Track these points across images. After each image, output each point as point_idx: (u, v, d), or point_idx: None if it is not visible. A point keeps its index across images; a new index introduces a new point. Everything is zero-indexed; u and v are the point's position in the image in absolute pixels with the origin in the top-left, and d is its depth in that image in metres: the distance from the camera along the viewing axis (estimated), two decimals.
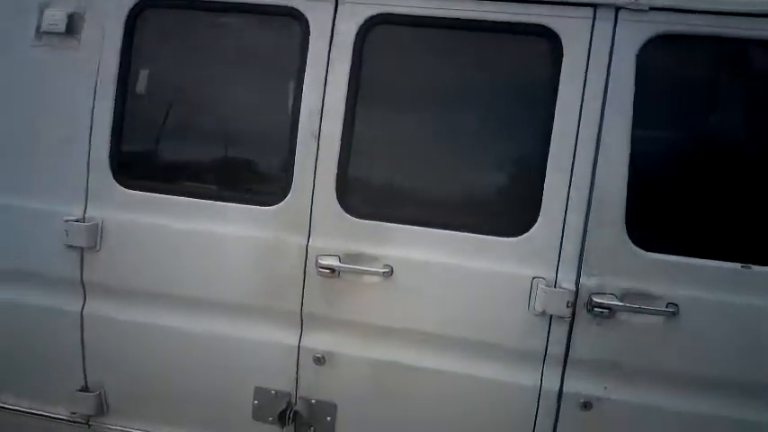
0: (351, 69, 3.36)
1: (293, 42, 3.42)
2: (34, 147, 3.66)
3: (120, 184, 3.61)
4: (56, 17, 3.62)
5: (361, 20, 3.33)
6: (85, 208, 3.63)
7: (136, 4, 3.59)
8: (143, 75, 3.67)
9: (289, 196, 3.44)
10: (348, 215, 3.39)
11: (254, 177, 3.63)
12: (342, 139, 3.39)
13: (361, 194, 3.47)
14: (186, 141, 3.68)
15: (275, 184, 3.45)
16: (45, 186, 3.66)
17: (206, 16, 3.55)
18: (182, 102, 3.68)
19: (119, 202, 3.61)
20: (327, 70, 3.38)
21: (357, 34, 3.33)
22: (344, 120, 3.37)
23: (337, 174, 3.39)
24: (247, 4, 3.44)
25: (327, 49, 3.38)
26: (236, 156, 3.65)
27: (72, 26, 3.64)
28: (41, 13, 3.65)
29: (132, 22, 3.60)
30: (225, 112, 3.63)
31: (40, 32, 3.66)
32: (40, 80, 3.65)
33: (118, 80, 3.60)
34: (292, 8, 3.39)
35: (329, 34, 3.37)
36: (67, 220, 3.60)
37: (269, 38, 3.59)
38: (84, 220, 3.62)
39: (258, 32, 3.60)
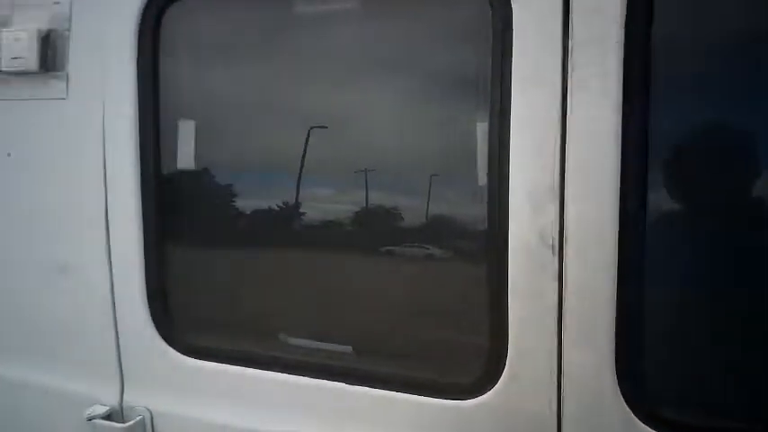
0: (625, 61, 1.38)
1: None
2: (15, 284, 2.02)
3: (174, 347, 1.90)
4: (20, 43, 1.90)
5: None
6: (122, 391, 1.95)
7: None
8: (185, 129, 1.86)
9: (502, 380, 1.53)
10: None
11: (423, 337, 1.72)
12: (621, 247, 1.41)
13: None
14: (282, 258, 1.85)
15: (467, 355, 1.64)
16: (44, 351, 2.02)
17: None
18: (268, 178, 1.86)
19: (175, 379, 1.89)
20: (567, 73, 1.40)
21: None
22: (622, 197, 1.40)
23: (618, 330, 1.42)
24: None
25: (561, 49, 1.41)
26: (381, 293, 1.76)
27: (49, 56, 1.91)
28: None
29: (153, 34, 1.79)
30: (349, 194, 1.76)
31: (1, 73, 1.96)
32: (11, 164, 1.99)
33: (142, 146, 1.84)
34: None
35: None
36: (91, 418, 1.93)
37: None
38: (121, 413, 1.94)
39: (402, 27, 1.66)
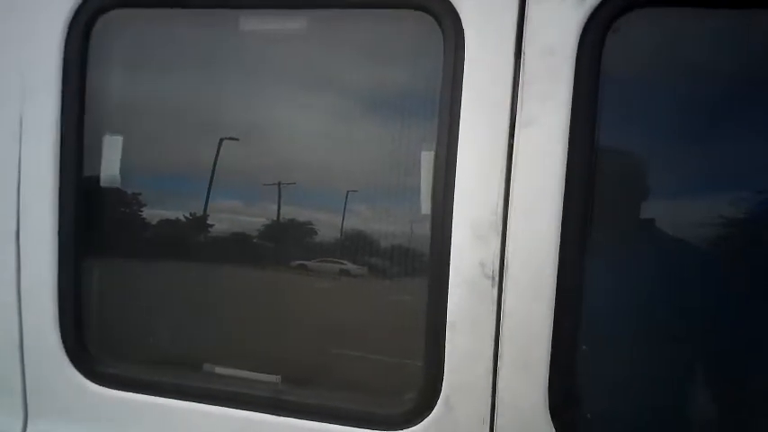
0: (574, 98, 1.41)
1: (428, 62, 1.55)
2: None
3: (87, 376, 1.75)
4: None
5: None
6: (25, 424, 1.78)
7: (85, 2, 1.67)
8: (110, 143, 1.76)
9: (436, 410, 1.51)
10: None
11: (356, 366, 1.69)
12: (560, 280, 1.44)
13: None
14: (204, 282, 1.78)
15: (401, 384, 1.61)
16: None
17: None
18: (196, 194, 1.77)
19: (86, 409, 1.75)
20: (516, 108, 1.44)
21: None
22: (564, 231, 1.43)
23: (552, 363, 1.44)
24: None
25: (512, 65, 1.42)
26: (313, 321, 1.71)
27: None
28: None
29: (81, 43, 1.70)
30: (284, 207, 1.71)
31: None
32: None
33: (62, 158, 1.72)
34: None
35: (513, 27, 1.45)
36: None
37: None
38: None
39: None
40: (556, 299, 1.44)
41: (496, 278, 1.48)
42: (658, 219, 1.47)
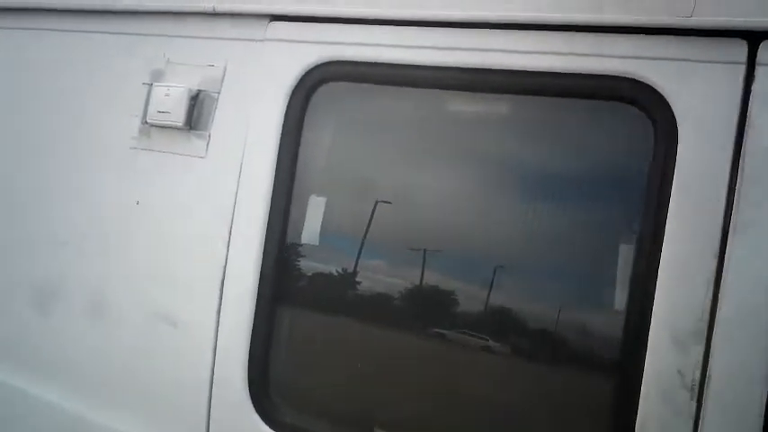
0: None
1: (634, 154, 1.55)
2: (121, 329, 2.02)
3: (266, 423, 1.84)
4: (169, 99, 1.98)
5: None
6: None
7: (309, 72, 1.81)
8: (315, 204, 1.87)
9: None
10: None
11: None
12: None
13: None
14: (399, 346, 1.81)
15: None
16: (135, 402, 1.99)
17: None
18: (387, 259, 1.83)
19: None
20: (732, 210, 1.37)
21: None
22: None
23: None
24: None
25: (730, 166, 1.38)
26: (500, 410, 1.68)
27: (195, 114, 1.97)
28: (150, 91, 2.02)
29: (302, 106, 1.84)
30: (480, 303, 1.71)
31: (145, 124, 2.03)
32: (138, 212, 2.03)
33: (271, 217, 1.85)
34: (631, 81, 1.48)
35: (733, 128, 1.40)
36: None
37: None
38: None
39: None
40: (764, 422, 1.32)
41: (696, 390, 1.38)
42: None
